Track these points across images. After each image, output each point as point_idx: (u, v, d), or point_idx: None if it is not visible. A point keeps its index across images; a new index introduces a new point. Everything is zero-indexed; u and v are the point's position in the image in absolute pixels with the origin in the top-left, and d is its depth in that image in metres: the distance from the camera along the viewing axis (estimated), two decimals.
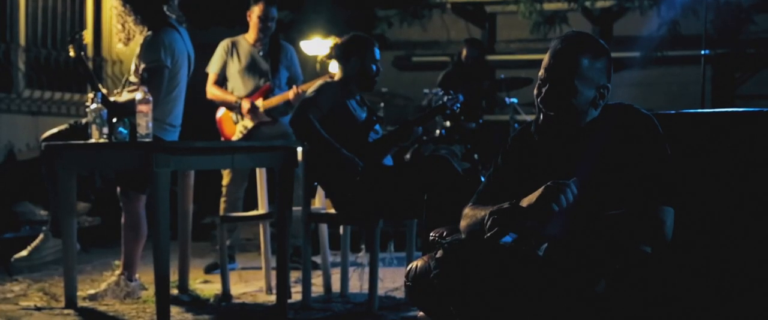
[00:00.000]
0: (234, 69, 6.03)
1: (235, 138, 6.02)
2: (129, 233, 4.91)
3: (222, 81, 6.08)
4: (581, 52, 2.55)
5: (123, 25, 4.86)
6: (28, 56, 7.77)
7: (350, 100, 4.87)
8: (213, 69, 6.08)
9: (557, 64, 2.55)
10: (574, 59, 2.54)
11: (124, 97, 4.80)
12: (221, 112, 6.12)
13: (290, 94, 5.85)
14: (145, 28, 4.82)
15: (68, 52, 4.87)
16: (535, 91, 2.61)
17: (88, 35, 5.04)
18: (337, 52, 4.93)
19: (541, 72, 2.59)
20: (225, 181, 6.06)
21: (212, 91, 6.06)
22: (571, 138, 2.63)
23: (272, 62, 6.03)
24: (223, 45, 6.08)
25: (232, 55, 6.04)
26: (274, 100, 5.92)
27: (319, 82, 5.05)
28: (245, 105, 5.91)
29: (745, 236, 2.70)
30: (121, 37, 4.90)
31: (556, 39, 2.60)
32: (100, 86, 4.76)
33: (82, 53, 4.86)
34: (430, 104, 7.56)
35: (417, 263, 2.67)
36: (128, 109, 4.54)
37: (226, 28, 9.33)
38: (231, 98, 5.98)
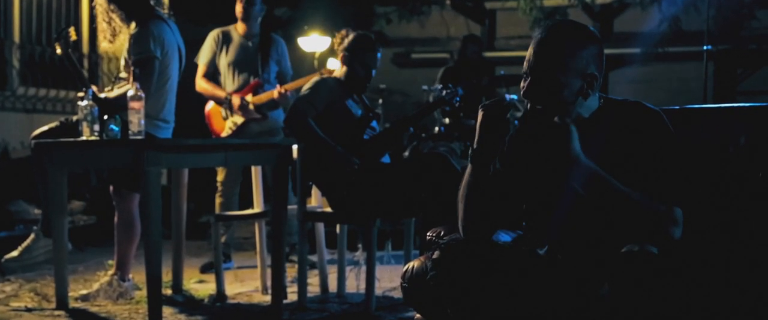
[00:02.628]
0: (224, 61, 5.93)
1: (224, 134, 5.92)
2: (122, 232, 4.83)
3: (212, 73, 5.96)
4: (562, 42, 2.44)
5: (108, 23, 4.77)
6: (22, 53, 7.71)
7: (347, 97, 4.79)
8: (202, 60, 5.96)
9: (538, 56, 2.44)
10: (555, 50, 2.42)
11: (115, 92, 4.72)
12: (210, 105, 6.01)
13: (275, 93, 5.76)
14: (133, 23, 4.74)
15: (55, 49, 4.78)
16: (521, 84, 2.51)
17: (77, 32, 4.94)
18: (340, 47, 4.85)
19: (524, 64, 2.48)
20: (220, 177, 5.98)
21: (201, 84, 5.94)
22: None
23: (262, 57, 5.93)
24: (213, 35, 5.97)
25: (221, 46, 5.92)
26: (263, 97, 5.83)
27: (314, 78, 4.97)
28: (236, 101, 5.81)
29: (750, 234, 2.63)
30: (107, 35, 4.81)
31: (539, 28, 2.49)
32: (91, 84, 4.68)
33: (69, 50, 4.78)
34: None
35: (414, 263, 2.61)
36: (119, 105, 4.46)
37: (222, 25, 9.26)
38: (220, 93, 5.87)
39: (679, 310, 2.25)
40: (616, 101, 2.56)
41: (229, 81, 5.92)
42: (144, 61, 4.61)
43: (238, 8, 5.91)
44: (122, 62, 4.80)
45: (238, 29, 5.96)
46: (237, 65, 5.90)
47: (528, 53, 2.47)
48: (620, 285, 2.22)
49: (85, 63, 8.30)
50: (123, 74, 4.78)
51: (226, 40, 5.94)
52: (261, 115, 5.84)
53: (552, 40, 2.43)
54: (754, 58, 9.42)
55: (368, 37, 4.88)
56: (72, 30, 4.81)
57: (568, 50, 2.42)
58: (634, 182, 2.37)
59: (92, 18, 8.28)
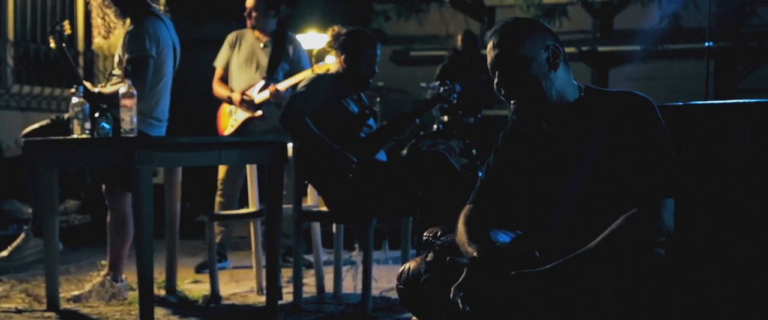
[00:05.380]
0: (234, 61, 5.93)
1: (226, 132, 5.88)
2: (115, 232, 4.75)
3: (227, 76, 5.96)
4: (515, 26, 2.48)
5: (103, 18, 4.70)
6: (16, 51, 7.65)
7: (345, 94, 4.71)
8: (218, 63, 5.99)
9: (498, 46, 2.45)
10: (511, 34, 2.46)
11: (108, 89, 4.64)
12: (223, 106, 6.01)
13: (267, 92, 5.70)
14: (128, 20, 4.66)
15: (49, 43, 4.71)
16: (495, 87, 2.49)
17: (72, 29, 4.87)
18: (335, 44, 4.77)
19: (489, 66, 2.49)
20: (220, 176, 5.91)
21: (214, 87, 5.96)
22: (558, 123, 2.48)
23: (272, 57, 5.87)
24: (229, 38, 5.99)
25: (235, 47, 5.93)
26: (264, 96, 5.77)
27: (310, 76, 4.89)
28: (235, 97, 5.78)
29: (756, 232, 2.56)
30: (101, 31, 4.74)
31: (488, 35, 2.50)
32: (84, 80, 4.61)
33: (63, 44, 4.70)
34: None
35: (409, 265, 2.54)
36: (113, 102, 4.39)
37: (221, 23, 9.19)
38: (226, 93, 5.86)
39: (683, 313, 2.18)
40: (602, 91, 2.54)
41: (237, 80, 5.89)
42: (139, 60, 4.53)
43: (247, 19, 5.92)
44: (116, 59, 4.73)
45: (254, 31, 5.94)
46: (245, 65, 5.89)
47: (489, 57, 2.49)
48: (626, 289, 2.16)
49: (81, 60, 8.23)
50: (116, 71, 4.70)
51: (239, 41, 5.95)
52: (262, 112, 5.78)
53: (504, 28, 2.48)
54: (755, 56, 9.34)
55: (366, 33, 4.80)
56: (67, 24, 4.74)
57: (522, 31, 2.46)
58: (626, 174, 2.33)
59: (87, 15, 8.26)
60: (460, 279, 2.24)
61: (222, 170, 5.91)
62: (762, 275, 2.45)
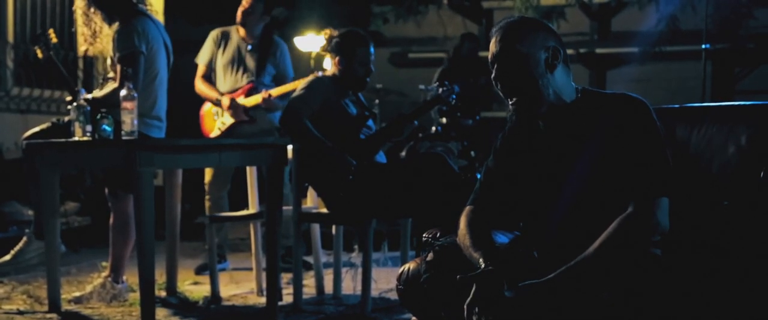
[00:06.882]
0: (220, 62, 5.86)
1: (213, 134, 5.84)
2: (117, 234, 4.77)
3: (210, 73, 5.91)
4: (519, 24, 2.53)
5: (88, 25, 4.71)
6: (16, 53, 7.65)
7: (344, 96, 4.73)
8: (201, 60, 5.89)
9: (500, 41, 2.51)
10: (514, 31, 2.51)
11: (102, 92, 4.66)
12: (206, 107, 5.94)
13: (259, 98, 5.68)
14: (116, 24, 4.67)
15: (36, 53, 4.72)
16: (493, 80, 2.55)
17: (72, 32, 4.89)
18: (329, 47, 4.80)
19: (490, 58, 2.54)
20: (207, 179, 5.89)
21: (198, 85, 5.87)
22: (555, 124, 2.50)
23: (259, 60, 5.85)
24: (213, 35, 5.90)
25: (220, 46, 5.86)
26: (252, 100, 5.72)
27: (309, 79, 4.92)
28: (225, 101, 5.73)
29: (752, 235, 2.58)
30: (87, 38, 4.75)
31: (494, 30, 2.56)
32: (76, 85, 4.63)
33: (51, 53, 4.71)
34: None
35: (409, 265, 2.56)
36: (108, 104, 4.41)
37: (219, 25, 9.19)
38: (214, 95, 5.81)
39: (680, 312, 2.21)
40: (599, 93, 2.57)
41: (222, 81, 5.85)
42: (129, 57, 4.55)
43: (238, 14, 5.85)
44: (108, 61, 4.75)
45: (239, 31, 5.89)
46: (231, 66, 5.83)
47: (490, 51, 2.54)
48: (623, 289, 2.18)
49: (80, 63, 8.24)
50: (111, 74, 4.72)
51: (224, 40, 5.86)
52: (249, 117, 5.75)
53: (509, 24, 2.53)
54: (752, 57, 9.37)
55: (358, 33, 4.81)
56: (52, 32, 4.75)
57: (524, 29, 2.51)
58: (622, 174, 2.36)
59: None
60: (471, 295, 2.25)
61: (208, 174, 5.88)
62: (760, 274, 2.47)
